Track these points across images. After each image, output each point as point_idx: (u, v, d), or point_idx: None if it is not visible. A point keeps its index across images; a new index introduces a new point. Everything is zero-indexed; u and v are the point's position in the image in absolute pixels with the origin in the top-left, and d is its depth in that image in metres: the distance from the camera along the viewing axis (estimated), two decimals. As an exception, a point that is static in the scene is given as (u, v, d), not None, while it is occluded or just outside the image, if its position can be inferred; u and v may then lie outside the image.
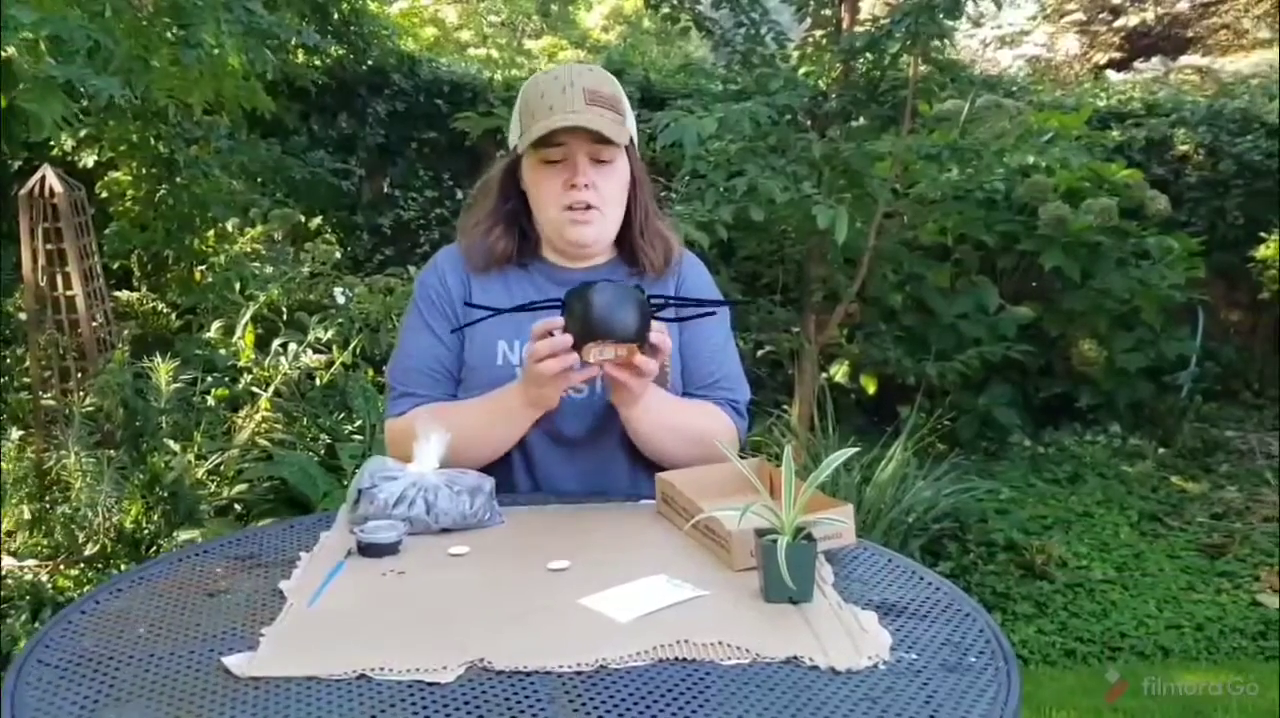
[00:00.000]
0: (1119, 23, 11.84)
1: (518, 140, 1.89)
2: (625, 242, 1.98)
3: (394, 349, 2.07)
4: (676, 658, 1.22)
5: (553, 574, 1.48)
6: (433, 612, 1.36)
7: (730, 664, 1.22)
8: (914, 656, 1.25)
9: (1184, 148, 6.90)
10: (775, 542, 1.35)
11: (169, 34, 3.41)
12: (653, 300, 1.70)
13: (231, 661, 1.21)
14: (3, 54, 2.83)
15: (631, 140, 1.92)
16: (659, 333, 1.69)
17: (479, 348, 1.92)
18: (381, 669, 1.19)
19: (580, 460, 1.92)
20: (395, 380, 1.98)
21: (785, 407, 5.14)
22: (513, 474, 1.92)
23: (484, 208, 2.00)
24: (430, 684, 1.17)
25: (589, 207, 1.87)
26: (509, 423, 1.84)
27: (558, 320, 1.66)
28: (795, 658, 1.23)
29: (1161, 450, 5.87)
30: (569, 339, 1.64)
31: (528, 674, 1.19)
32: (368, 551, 1.54)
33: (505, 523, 1.67)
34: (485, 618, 1.34)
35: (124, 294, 5.90)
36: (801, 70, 4.91)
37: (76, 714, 1.14)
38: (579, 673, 1.19)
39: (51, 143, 5.09)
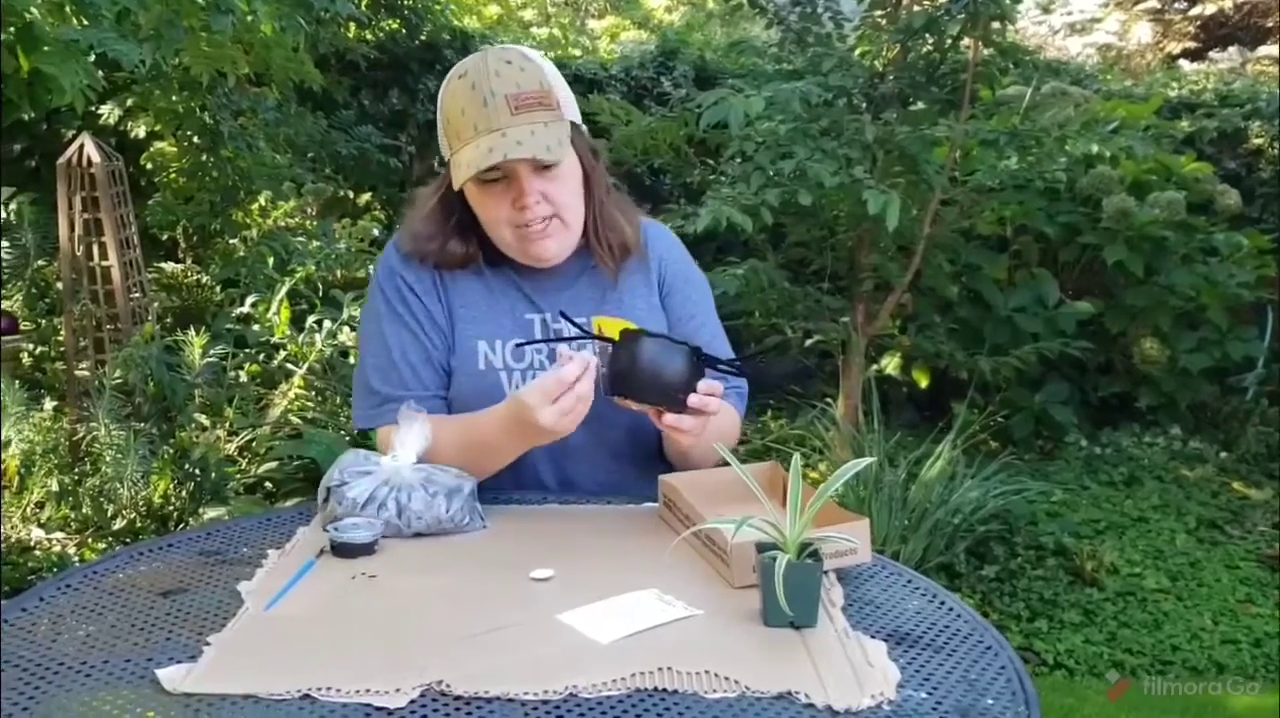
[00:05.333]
0: (1194, 11, 11.47)
1: (449, 158, 1.68)
2: (586, 235, 1.80)
3: (358, 362, 1.81)
4: (656, 688, 1.10)
5: (535, 584, 1.36)
6: (397, 623, 1.25)
7: (715, 698, 1.09)
8: (924, 694, 1.12)
9: (1258, 141, 6.62)
10: (775, 559, 1.22)
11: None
12: (705, 364, 1.60)
13: (166, 673, 1.11)
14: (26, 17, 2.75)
15: (577, 128, 1.70)
16: (708, 393, 1.58)
17: (457, 352, 1.74)
18: (328, 690, 1.08)
19: (593, 459, 1.77)
20: (375, 383, 1.73)
21: (831, 399, 4.99)
22: (537, 472, 1.77)
23: (428, 225, 1.77)
24: (379, 709, 1.06)
25: (545, 218, 1.68)
26: (503, 451, 1.67)
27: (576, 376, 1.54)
28: (789, 693, 1.10)
29: (1223, 455, 5.65)
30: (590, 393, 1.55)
31: (488, 701, 1.07)
32: (340, 550, 1.42)
33: (488, 527, 1.54)
34: (453, 633, 1.22)
35: (169, 266, 5.87)
36: (858, 51, 4.74)
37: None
38: (545, 702, 1.07)
39: (100, 112, 5.05)
